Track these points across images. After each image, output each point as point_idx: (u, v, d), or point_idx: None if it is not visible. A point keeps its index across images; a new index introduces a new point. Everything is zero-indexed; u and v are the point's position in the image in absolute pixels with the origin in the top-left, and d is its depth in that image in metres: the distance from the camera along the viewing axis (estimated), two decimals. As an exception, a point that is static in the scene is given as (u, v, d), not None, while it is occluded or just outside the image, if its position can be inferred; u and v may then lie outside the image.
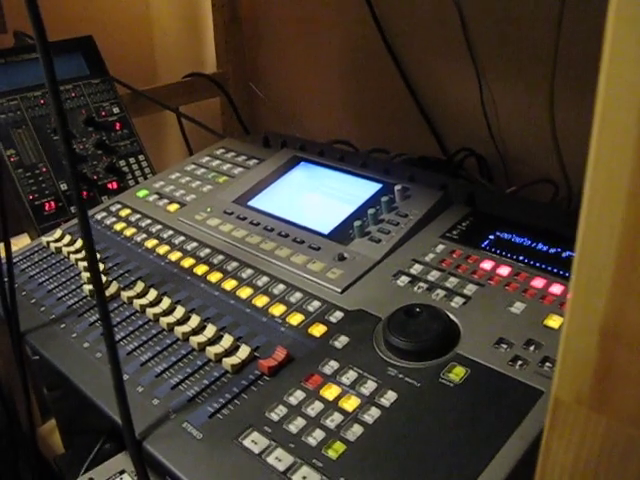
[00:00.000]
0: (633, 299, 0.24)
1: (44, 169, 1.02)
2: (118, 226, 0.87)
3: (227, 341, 0.62)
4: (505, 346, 0.57)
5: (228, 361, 0.60)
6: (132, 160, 1.11)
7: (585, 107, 0.92)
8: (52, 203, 1.01)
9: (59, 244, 0.85)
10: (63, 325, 0.71)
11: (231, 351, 0.62)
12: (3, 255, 0.73)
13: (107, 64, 1.15)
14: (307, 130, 1.31)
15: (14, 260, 0.79)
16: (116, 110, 1.12)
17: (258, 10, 1.37)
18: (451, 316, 0.61)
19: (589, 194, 0.24)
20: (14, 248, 0.78)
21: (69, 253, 0.82)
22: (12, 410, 1.07)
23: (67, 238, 0.86)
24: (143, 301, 0.70)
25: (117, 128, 1.11)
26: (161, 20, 1.52)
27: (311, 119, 1.35)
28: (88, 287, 0.75)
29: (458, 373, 0.55)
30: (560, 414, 0.28)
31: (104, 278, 0.75)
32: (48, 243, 0.86)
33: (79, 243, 0.84)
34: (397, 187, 0.80)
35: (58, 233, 0.88)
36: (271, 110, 1.41)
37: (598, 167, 0.23)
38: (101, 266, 0.78)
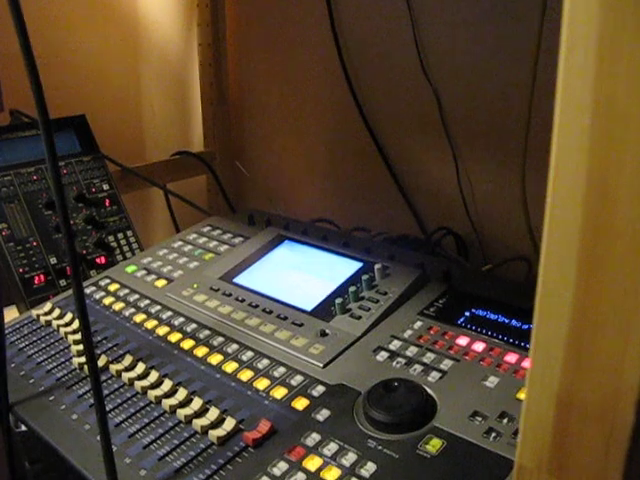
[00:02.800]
0: (582, 374, 0.27)
1: (34, 243, 1.05)
2: (107, 300, 0.90)
3: (213, 414, 0.64)
4: (480, 419, 0.59)
5: (214, 433, 0.62)
6: (120, 236, 1.14)
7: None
8: (42, 276, 1.03)
9: (49, 317, 0.87)
10: (52, 397, 0.72)
11: (217, 423, 0.64)
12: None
13: (98, 142, 1.19)
14: (290, 208, 1.36)
15: (5, 333, 0.81)
16: (106, 187, 1.16)
17: (244, 92, 1.44)
18: (428, 390, 0.63)
19: (542, 285, 0.28)
20: (4, 320, 0.80)
21: (58, 326, 0.84)
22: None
23: (56, 311, 0.88)
24: (132, 374, 0.72)
25: (107, 204, 1.15)
26: (151, 100, 1.58)
27: (294, 197, 1.39)
28: (77, 360, 0.76)
29: (435, 445, 0.57)
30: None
31: (93, 351, 0.77)
32: (38, 316, 0.88)
33: (68, 316, 0.86)
34: (377, 266, 0.84)
35: (48, 306, 0.90)
36: (256, 188, 1.46)
37: (549, 259, 0.27)
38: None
